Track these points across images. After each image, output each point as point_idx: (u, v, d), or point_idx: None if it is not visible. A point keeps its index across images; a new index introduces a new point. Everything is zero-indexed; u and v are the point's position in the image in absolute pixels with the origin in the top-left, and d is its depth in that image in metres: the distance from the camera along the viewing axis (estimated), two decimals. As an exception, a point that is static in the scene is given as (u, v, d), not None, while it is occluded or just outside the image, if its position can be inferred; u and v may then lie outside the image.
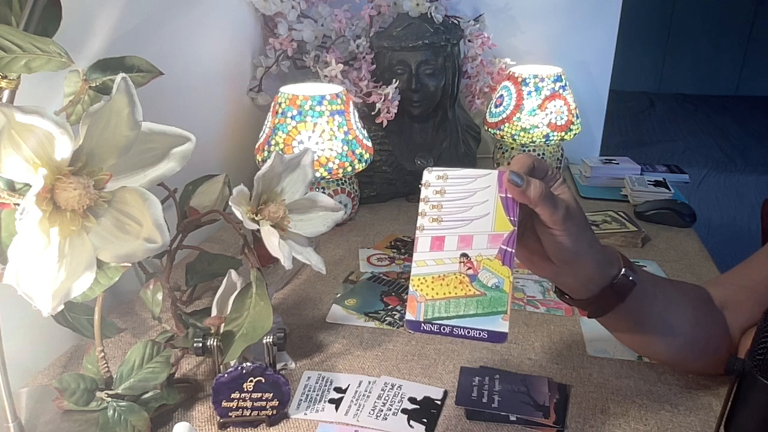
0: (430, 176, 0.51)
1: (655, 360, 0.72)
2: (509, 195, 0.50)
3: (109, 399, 0.60)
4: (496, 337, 0.47)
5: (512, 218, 0.49)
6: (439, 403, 0.66)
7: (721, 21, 3.27)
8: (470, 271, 0.49)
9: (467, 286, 0.48)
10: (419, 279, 0.49)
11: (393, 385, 0.69)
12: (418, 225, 0.50)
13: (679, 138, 2.58)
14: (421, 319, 0.48)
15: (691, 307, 0.62)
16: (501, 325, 0.47)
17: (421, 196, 0.51)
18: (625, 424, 0.63)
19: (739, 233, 2.22)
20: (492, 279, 0.48)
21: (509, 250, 0.49)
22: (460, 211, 0.50)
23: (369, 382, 0.70)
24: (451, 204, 0.50)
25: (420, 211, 0.50)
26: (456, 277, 0.49)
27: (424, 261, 0.49)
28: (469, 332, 0.47)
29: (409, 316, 0.48)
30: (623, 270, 0.55)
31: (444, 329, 0.47)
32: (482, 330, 0.47)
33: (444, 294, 0.48)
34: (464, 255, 0.49)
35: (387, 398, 0.67)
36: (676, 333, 0.61)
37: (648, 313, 0.59)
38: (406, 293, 0.88)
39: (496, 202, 0.50)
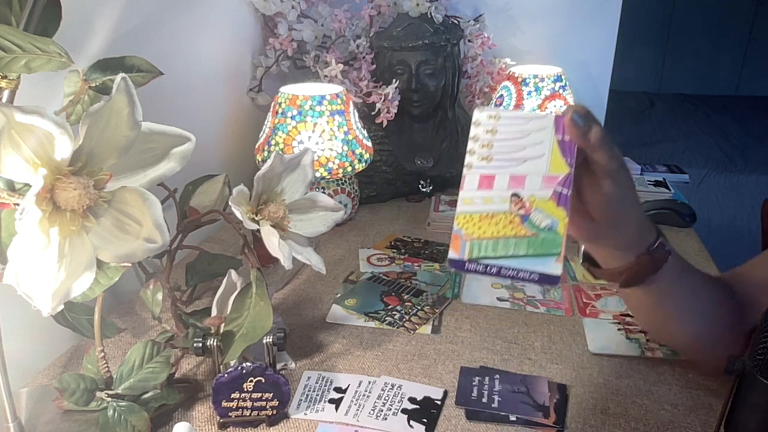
0: (481, 115, 0.49)
1: (668, 344, 0.69)
2: (566, 138, 0.48)
3: (109, 399, 0.60)
4: (548, 280, 0.45)
5: (569, 161, 0.47)
6: (439, 403, 0.66)
7: (721, 21, 3.26)
8: (522, 211, 0.47)
9: (518, 226, 0.46)
10: (465, 217, 0.46)
11: (393, 385, 0.69)
12: (465, 163, 0.48)
13: (679, 138, 2.58)
14: (466, 258, 0.45)
15: (713, 294, 0.61)
16: (554, 267, 0.45)
17: (471, 135, 0.49)
18: (625, 424, 0.63)
19: (739, 233, 2.22)
20: (545, 220, 0.46)
21: (565, 191, 0.47)
22: (513, 151, 0.48)
23: (369, 382, 0.70)
24: (503, 143, 0.48)
25: (468, 149, 0.48)
26: (506, 217, 0.46)
27: (471, 199, 0.47)
28: (518, 273, 0.45)
29: (452, 255, 0.46)
30: (661, 239, 0.54)
31: (491, 269, 0.45)
32: (533, 272, 0.45)
33: (492, 233, 0.46)
34: (515, 195, 0.47)
35: (387, 398, 0.67)
36: (696, 317, 0.59)
37: (674, 292, 0.57)
38: (406, 293, 0.89)
39: (551, 144, 0.48)
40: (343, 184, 1.11)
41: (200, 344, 0.63)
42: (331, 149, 1.02)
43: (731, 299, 0.62)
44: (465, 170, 0.48)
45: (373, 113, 1.18)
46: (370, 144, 1.11)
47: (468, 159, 0.48)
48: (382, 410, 0.65)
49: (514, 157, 0.48)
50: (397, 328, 0.81)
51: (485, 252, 0.46)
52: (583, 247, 0.59)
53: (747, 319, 0.62)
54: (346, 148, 1.03)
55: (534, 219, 0.46)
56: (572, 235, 0.57)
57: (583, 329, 0.80)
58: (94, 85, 0.55)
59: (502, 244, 0.46)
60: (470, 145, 0.49)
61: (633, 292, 0.57)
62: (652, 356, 0.73)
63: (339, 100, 1.04)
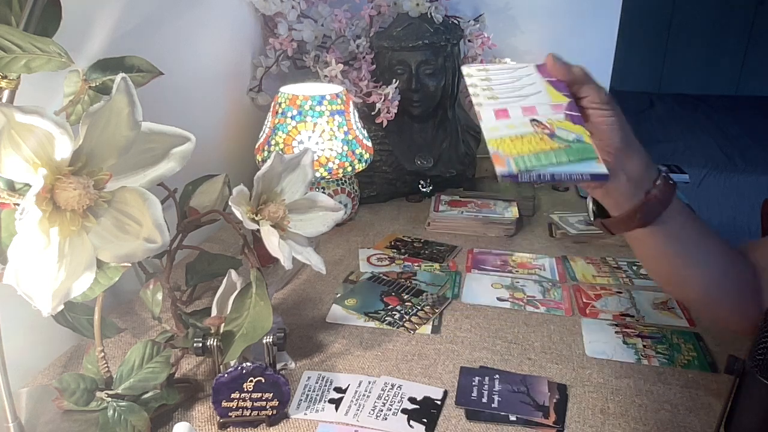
0: (471, 69, 0.53)
1: (683, 298, 0.67)
2: (554, 78, 0.52)
3: (109, 399, 0.60)
4: (599, 178, 0.48)
5: (565, 93, 0.51)
6: (439, 403, 0.66)
7: (721, 21, 3.27)
8: (547, 131, 0.50)
9: (549, 141, 0.49)
10: (497, 141, 0.49)
11: (393, 385, 0.69)
12: (474, 103, 0.51)
13: (679, 138, 2.58)
14: (515, 171, 0.48)
15: (724, 246, 0.60)
16: (599, 167, 0.48)
17: (468, 84, 0.53)
18: (625, 424, 0.63)
19: (739, 233, 2.22)
20: (570, 135, 0.49)
21: (575, 113, 0.50)
22: (514, 91, 0.52)
23: (369, 382, 0.70)
24: (501, 86, 0.52)
25: (472, 93, 0.52)
26: (535, 137, 0.49)
27: (495, 127, 0.50)
28: (571, 176, 0.48)
29: (500, 170, 0.48)
30: (662, 172, 0.56)
31: (544, 176, 0.48)
32: (584, 173, 0.48)
33: (529, 149, 0.49)
34: (534, 120, 0.50)
35: (387, 398, 0.67)
36: (709, 264, 0.59)
37: (683, 234, 0.58)
38: (406, 293, 0.89)
39: (544, 84, 0.52)
40: (343, 184, 1.11)
41: (200, 344, 0.63)
42: (331, 149, 1.02)
43: (745, 265, 0.61)
44: (477, 108, 0.51)
45: (373, 113, 1.18)
46: (370, 144, 1.11)
47: (476, 100, 0.52)
48: (382, 410, 0.65)
49: (517, 95, 0.52)
50: (397, 328, 0.81)
51: (531, 164, 0.48)
52: (591, 205, 0.61)
53: (764, 288, 0.60)
54: (346, 148, 1.03)
55: (561, 135, 0.50)
56: (582, 186, 0.60)
57: (582, 329, 0.80)
58: (94, 85, 0.55)
59: (544, 155, 0.48)
60: (471, 90, 0.52)
61: (643, 238, 0.58)
62: (648, 364, 0.73)
63: (339, 100, 1.04)
